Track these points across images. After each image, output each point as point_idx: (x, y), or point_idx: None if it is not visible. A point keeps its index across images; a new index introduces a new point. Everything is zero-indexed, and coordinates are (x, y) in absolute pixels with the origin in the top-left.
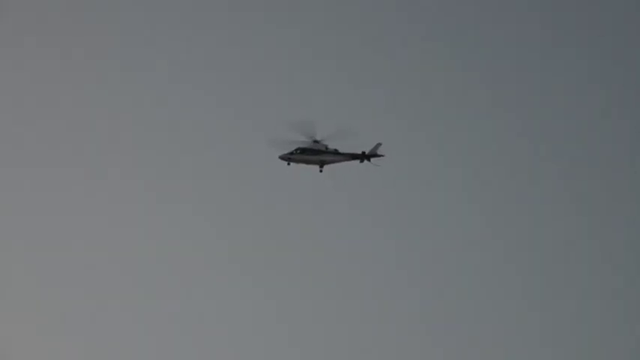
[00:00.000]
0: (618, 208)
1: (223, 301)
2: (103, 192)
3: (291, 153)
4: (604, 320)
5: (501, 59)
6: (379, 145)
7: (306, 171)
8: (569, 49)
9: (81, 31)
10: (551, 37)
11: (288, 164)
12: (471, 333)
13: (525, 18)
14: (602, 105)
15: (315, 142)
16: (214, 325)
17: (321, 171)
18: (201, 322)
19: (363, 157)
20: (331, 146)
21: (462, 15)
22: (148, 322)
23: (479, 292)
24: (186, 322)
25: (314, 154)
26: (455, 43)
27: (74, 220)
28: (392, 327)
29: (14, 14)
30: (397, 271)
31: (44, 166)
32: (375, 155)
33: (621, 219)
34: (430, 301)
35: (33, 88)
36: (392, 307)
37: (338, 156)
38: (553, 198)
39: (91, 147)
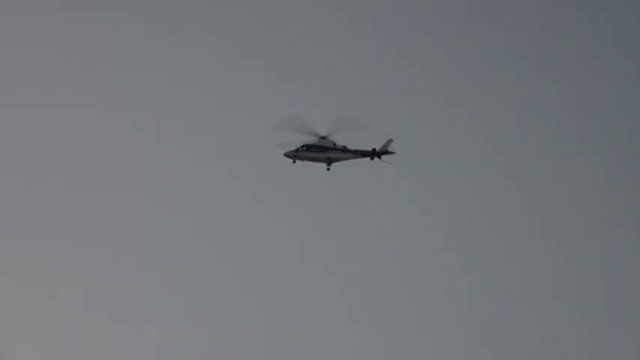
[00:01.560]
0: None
1: (223, 303)
2: (102, 190)
3: (297, 150)
4: (605, 321)
5: (519, 55)
6: (390, 141)
7: (313, 169)
8: (579, 49)
9: (81, 31)
10: (563, 33)
11: (294, 162)
12: (484, 334)
13: (533, 17)
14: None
15: (323, 138)
16: (214, 326)
17: (328, 169)
18: (200, 323)
19: (373, 154)
20: (339, 143)
21: (479, 9)
22: (148, 323)
23: (495, 294)
24: (186, 322)
25: (321, 151)
26: (472, 38)
27: (75, 220)
28: (397, 329)
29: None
30: (408, 273)
31: (45, 166)
32: (386, 152)
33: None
34: (443, 303)
35: (33, 87)
36: (400, 310)
37: (346, 153)
38: (574, 194)
39: (91, 146)
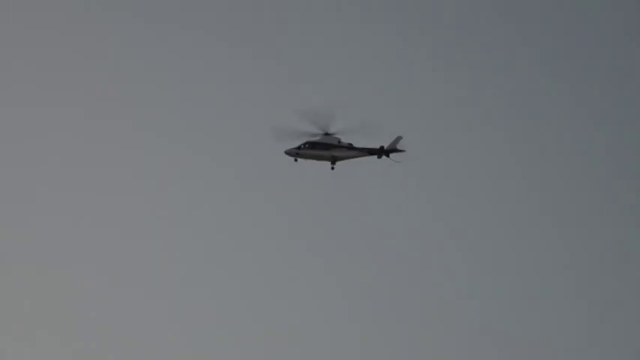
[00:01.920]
0: None
1: (223, 302)
2: (101, 190)
3: (299, 147)
4: (605, 320)
5: (527, 55)
6: (400, 138)
7: (316, 168)
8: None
9: (80, 31)
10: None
11: (296, 160)
12: (488, 334)
13: (537, 17)
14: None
15: (327, 135)
16: (214, 326)
17: (332, 168)
18: (200, 322)
19: (381, 152)
20: (345, 140)
21: (486, 8)
22: (149, 323)
23: (503, 295)
24: (186, 322)
25: (325, 148)
26: (482, 36)
27: (74, 220)
28: (400, 329)
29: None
30: (416, 275)
31: (45, 165)
32: (395, 150)
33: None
34: (451, 304)
35: (32, 87)
36: (406, 311)
37: (352, 151)
38: (580, 194)
39: (90, 146)
